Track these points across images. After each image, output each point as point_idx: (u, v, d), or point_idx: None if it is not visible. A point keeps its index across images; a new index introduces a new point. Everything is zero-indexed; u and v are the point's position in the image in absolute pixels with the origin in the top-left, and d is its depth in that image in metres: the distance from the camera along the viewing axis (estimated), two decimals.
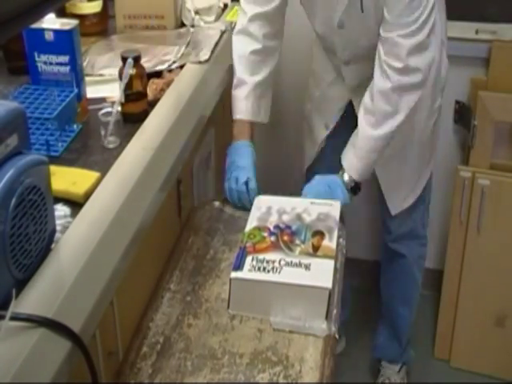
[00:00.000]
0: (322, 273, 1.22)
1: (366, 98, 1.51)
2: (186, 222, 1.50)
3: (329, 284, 1.20)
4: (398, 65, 1.42)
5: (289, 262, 1.24)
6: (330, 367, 1.14)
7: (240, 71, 1.63)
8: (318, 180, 1.55)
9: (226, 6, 1.94)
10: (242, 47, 1.63)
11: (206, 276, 1.33)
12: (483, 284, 2.09)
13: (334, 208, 1.40)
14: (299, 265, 1.24)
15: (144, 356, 1.15)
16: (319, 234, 1.32)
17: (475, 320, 2.14)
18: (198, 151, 1.54)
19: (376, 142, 1.51)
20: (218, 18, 1.86)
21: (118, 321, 1.11)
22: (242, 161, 1.56)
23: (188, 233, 1.46)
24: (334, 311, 1.22)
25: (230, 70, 1.66)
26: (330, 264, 1.25)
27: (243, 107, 1.63)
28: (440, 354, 2.23)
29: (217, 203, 1.55)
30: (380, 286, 2.09)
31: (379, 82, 1.46)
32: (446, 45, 1.73)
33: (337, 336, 1.20)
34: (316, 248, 1.28)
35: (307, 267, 1.23)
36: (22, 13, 0.62)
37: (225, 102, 1.77)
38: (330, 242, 1.30)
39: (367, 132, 1.50)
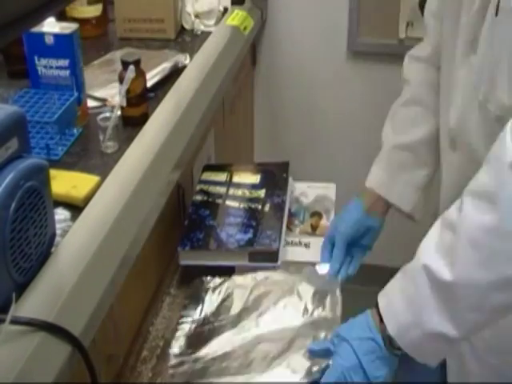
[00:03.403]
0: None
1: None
2: None
3: None
4: None
5: (289, 241, 1.31)
6: None
7: None
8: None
9: (226, 9, 1.94)
10: None
11: None
12: None
13: (329, 190, 1.46)
14: (299, 243, 1.31)
15: (144, 360, 1.15)
16: (317, 214, 1.39)
17: None
18: (198, 155, 1.54)
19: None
20: (218, 22, 1.87)
21: (118, 324, 1.10)
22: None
23: None
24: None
25: (230, 75, 1.66)
26: None
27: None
28: None
29: None
30: None
31: None
32: None
33: None
34: (314, 228, 1.35)
35: (307, 245, 1.31)
36: (22, 16, 0.62)
37: (225, 105, 1.77)
38: (328, 222, 1.36)
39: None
